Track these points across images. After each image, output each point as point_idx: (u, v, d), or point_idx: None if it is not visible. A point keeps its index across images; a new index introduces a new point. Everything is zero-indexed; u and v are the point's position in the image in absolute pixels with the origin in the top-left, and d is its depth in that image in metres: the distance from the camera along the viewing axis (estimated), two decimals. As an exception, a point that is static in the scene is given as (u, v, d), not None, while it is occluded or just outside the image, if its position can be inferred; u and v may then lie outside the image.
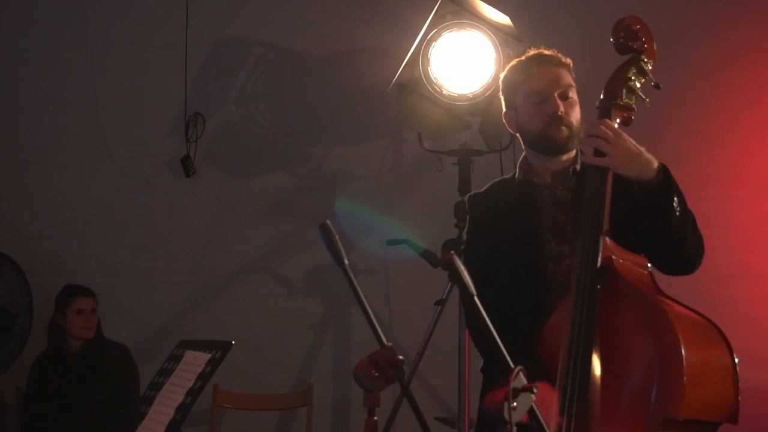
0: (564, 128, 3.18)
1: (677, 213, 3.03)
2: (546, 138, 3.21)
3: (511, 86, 3.32)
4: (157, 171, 6.41)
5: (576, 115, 3.22)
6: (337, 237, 2.44)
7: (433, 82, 5.03)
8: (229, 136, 6.38)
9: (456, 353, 5.02)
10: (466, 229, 3.46)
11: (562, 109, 3.18)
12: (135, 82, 6.46)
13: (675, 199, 3.03)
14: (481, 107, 5.02)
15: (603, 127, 2.99)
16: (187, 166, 6.29)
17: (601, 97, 3.12)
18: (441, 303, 5.16)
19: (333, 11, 6.27)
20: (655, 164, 3.00)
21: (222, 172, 6.38)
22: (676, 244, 3.08)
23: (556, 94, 3.19)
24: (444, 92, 5.02)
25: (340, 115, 6.26)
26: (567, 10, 5.99)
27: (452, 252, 2.26)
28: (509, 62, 4.33)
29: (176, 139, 6.34)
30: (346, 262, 2.45)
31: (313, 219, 6.18)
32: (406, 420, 4.25)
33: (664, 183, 3.01)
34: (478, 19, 5.00)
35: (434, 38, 5.03)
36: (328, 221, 2.42)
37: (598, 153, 3.00)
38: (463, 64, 5.05)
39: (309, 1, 6.36)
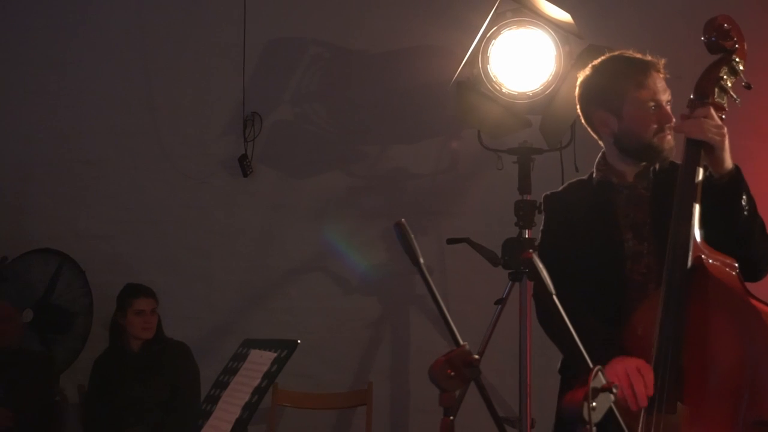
0: (670, 138, 3.17)
1: (745, 212, 3.01)
2: (653, 148, 3.18)
3: (617, 89, 3.22)
4: (214, 170, 6.43)
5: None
6: (412, 236, 2.41)
7: (492, 80, 5.00)
8: (285, 136, 6.40)
9: (516, 353, 5.00)
10: (542, 229, 3.44)
11: (674, 119, 3.16)
12: (192, 82, 6.49)
13: (744, 197, 3.01)
14: (541, 105, 4.99)
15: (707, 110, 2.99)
16: (244, 166, 6.31)
17: (692, 96, 3.09)
18: (501, 302, 5.13)
19: (391, 10, 6.27)
20: (731, 161, 2.99)
21: (278, 172, 6.39)
22: (741, 246, 3.05)
23: (665, 103, 3.18)
24: (503, 90, 4.99)
25: (398, 114, 6.25)
26: (627, 5, 5.95)
27: (531, 250, 2.24)
28: (571, 60, 4.30)
29: (233, 138, 6.36)
30: (422, 260, 2.43)
31: (369, 218, 6.19)
32: (467, 419, 4.22)
33: (736, 178, 3.00)
34: (538, 17, 4.97)
35: (494, 36, 5.00)
36: (403, 220, 2.40)
37: (693, 144, 2.99)
38: (523, 61, 5.02)
39: (366, 0, 6.35)
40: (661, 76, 3.19)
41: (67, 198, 6.56)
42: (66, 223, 6.51)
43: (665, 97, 3.18)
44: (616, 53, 3.30)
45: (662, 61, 3.23)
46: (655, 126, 3.16)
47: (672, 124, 3.14)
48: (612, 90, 3.24)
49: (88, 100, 6.61)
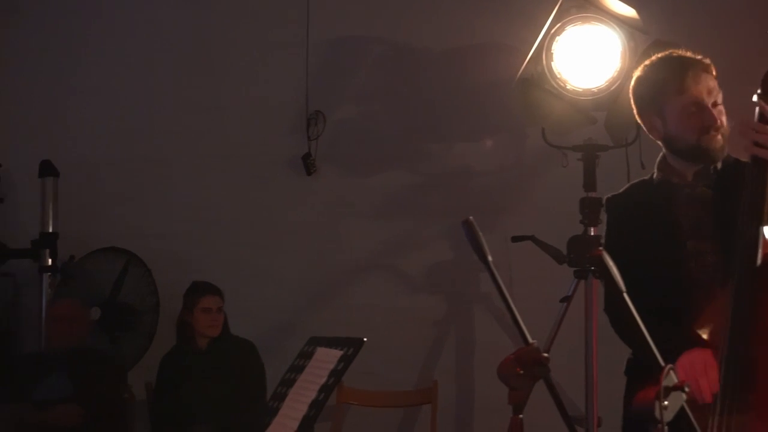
0: (720, 137, 3.14)
1: None
2: (702, 150, 3.17)
3: (658, 94, 3.23)
4: (278, 169, 6.47)
5: (725, 121, 3.17)
6: (480, 233, 2.41)
7: (556, 76, 4.96)
8: (348, 134, 6.41)
9: (581, 350, 4.96)
10: (605, 231, 3.43)
11: (719, 121, 3.13)
12: (256, 81, 6.53)
13: None
14: (606, 102, 4.95)
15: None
16: (307, 164, 6.33)
17: (759, 91, 3.05)
18: (566, 300, 5.10)
19: (454, 7, 6.25)
20: None
21: (342, 170, 6.41)
22: None
23: (710, 105, 3.14)
24: (568, 87, 4.95)
25: (461, 112, 6.24)
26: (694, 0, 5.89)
27: (601, 248, 2.22)
28: (635, 56, 4.26)
29: (297, 137, 6.38)
30: (490, 258, 2.41)
31: (432, 216, 6.18)
32: (532, 417, 4.20)
33: None
34: (603, 13, 4.93)
35: (558, 32, 4.96)
36: (471, 217, 2.39)
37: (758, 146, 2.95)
38: (588, 58, 4.97)
39: (429, -2, 6.36)
40: (708, 75, 3.17)
41: (134, 197, 6.63)
42: (132, 222, 6.57)
43: (710, 98, 3.15)
44: (664, 54, 3.29)
45: (707, 60, 3.20)
46: (698, 129, 3.14)
47: (717, 125, 3.12)
48: (654, 94, 3.26)
49: (154, 99, 6.67)
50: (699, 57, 3.22)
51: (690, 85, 3.15)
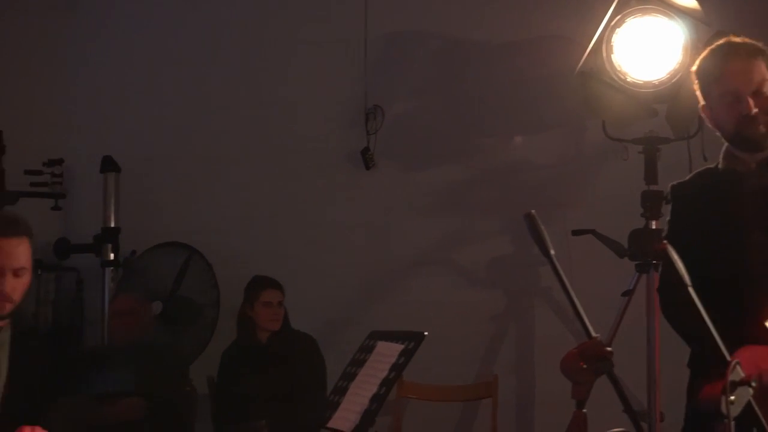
0: (761, 126, 3.11)
1: None
2: (742, 138, 3.16)
3: (704, 83, 3.25)
4: (337, 164, 6.49)
5: None
6: (542, 227, 2.40)
7: (616, 69, 4.91)
8: (407, 128, 6.41)
9: (643, 345, 4.93)
10: (668, 219, 3.39)
11: (755, 110, 3.09)
12: (315, 76, 6.55)
13: None
14: (667, 94, 4.89)
15: None
16: (366, 159, 6.34)
17: None
18: (628, 294, 5.06)
19: (512, 1, 6.22)
20: None
21: (401, 164, 6.41)
22: None
23: (749, 94, 3.10)
24: (628, 79, 4.91)
25: (519, 105, 6.21)
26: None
27: (665, 241, 2.21)
28: (697, 48, 4.23)
29: (356, 131, 6.39)
30: (552, 252, 2.40)
31: (491, 210, 6.16)
32: (595, 412, 4.17)
33: None
34: (663, 4, 4.87)
35: (618, 24, 4.91)
36: (533, 211, 2.38)
37: None
38: (648, 50, 4.93)
39: (486, -8, 6.34)
40: (754, 61, 3.13)
41: (195, 192, 6.70)
42: (193, 217, 6.63)
43: (750, 86, 3.11)
44: (715, 44, 3.26)
45: (758, 46, 3.17)
46: (735, 118, 3.13)
47: (753, 113, 3.08)
48: (701, 84, 3.26)
49: (213, 96, 6.72)
50: (749, 43, 3.18)
51: (726, 73, 3.14)
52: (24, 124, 6.53)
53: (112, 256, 6.38)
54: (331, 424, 3.81)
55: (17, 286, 3.27)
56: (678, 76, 4.80)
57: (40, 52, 6.91)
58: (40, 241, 6.58)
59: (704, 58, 3.26)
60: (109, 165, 6.41)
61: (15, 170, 6.20)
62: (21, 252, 3.27)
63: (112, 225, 6.39)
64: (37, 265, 6.50)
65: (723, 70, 3.16)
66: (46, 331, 6.65)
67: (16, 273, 3.25)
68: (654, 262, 4.65)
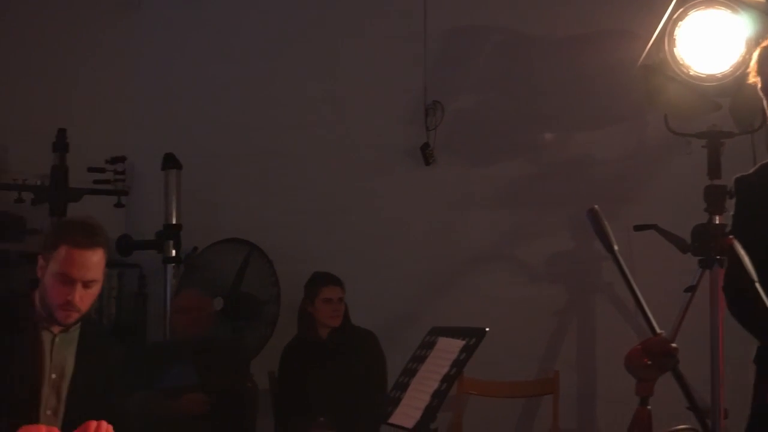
0: None
1: None
2: None
3: (761, 75, 3.21)
4: (397, 159, 6.49)
5: None
6: (605, 222, 2.38)
7: (679, 62, 4.87)
8: (467, 124, 6.39)
9: (707, 341, 4.87)
10: (733, 213, 3.35)
11: None
12: (375, 72, 6.56)
13: None
14: (731, 88, 4.83)
15: None
16: (426, 154, 6.34)
17: None
18: (691, 290, 5.01)
19: (573, -6, 6.20)
20: None
21: (461, 160, 6.39)
22: None
23: None
24: (691, 73, 4.86)
25: (581, 100, 6.16)
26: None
27: (731, 236, 2.18)
28: (760, 41, 4.16)
29: (415, 127, 6.39)
30: (616, 248, 2.38)
31: (553, 206, 6.13)
32: (657, 409, 4.13)
33: None
34: (726, -4, 4.83)
35: (680, 18, 4.87)
36: (596, 206, 2.37)
37: None
38: (711, 43, 4.87)
39: (548, -14, 6.30)
40: None
41: (255, 189, 6.74)
42: (254, 213, 6.67)
43: None
44: None
45: None
46: None
47: None
48: (762, 77, 3.26)
49: (274, 93, 6.75)
50: None
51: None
52: (87, 122, 6.60)
53: (173, 252, 6.45)
54: (392, 420, 3.82)
55: (86, 297, 3.29)
56: (741, 70, 4.74)
57: (104, 50, 6.99)
58: (103, 238, 6.69)
59: (765, 48, 3.23)
60: (170, 162, 6.47)
61: (79, 168, 6.26)
62: (95, 264, 3.28)
63: (174, 222, 6.46)
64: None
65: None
66: (110, 327, 6.73)
67: (87, 284, 3.27)
68: (717, 257, 4.60)
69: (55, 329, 3.36)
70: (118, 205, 6.56)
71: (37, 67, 6.53)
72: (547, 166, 6.20)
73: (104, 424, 3.20)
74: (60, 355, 3.38)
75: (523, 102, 6.31)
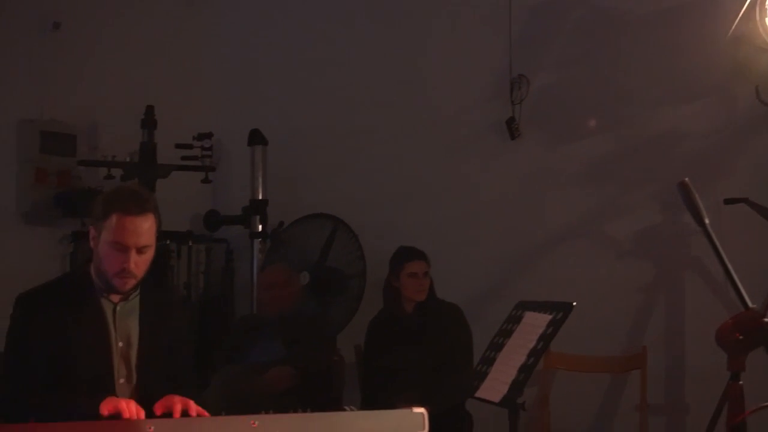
0: None
1: None
2: None
3: None
4: (482, 134, 6.47)
5: None
6: (696, 195, 2.35)
7: (770, 33, 4.80)
8: (552, 98, 6.34)
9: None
10: None
11: None
12: (459, 46, 6.53)
13: None
14: (824, 57, 4.75)
15: None
16: (511, 129, 6.31)
17: None
18: (786, 264, 4.94)
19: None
20: None
21: (546, 134, 6.35)
22: None
23: None
24: (782, 43, 4.79)
25: (667, 74, 6.07)
26: None
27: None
28: None
29: (501, 102, 6.35)
30: (707, 221, 2.35)
31: (640, 180, 6.07)
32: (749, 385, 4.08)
33: None
34: (820, -36, 4.73)
35: (772, -13, 4.79)
36: (687, 179, 2.34)
37: None
38: (804, 13, 4.79)
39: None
40: None
41: (341, 165, 6.76)
42: (340, 189, 6.70)
43: None
44: None
45: None
46: None
47: None
48: None
49: (357, 69, 6.76)
50: None
51: None
52: (175, 99, 6.67)
53: (260, 227, 6.51)
54: (479, 394, 3.82)
55: (140, 263, 3.31)
56: (835, 39, 4.66)
57: (190, 26, 7.04)
58: (190, 213, 6.79)
59: None
60: (256, 138, 6.52)
61: (166, 144, 6.34)
62: (146, 230, 3.30)
63: (260, 197, 6.51)
64: (188, 236, 6.67)
65: None
66: (198, 302, 6.82)
67: (140, 250, 3.30)
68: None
69: (115, 298, 3.39)
70: (205, 180, 6.62)
71: (126, 45, 6.61)
72: (634, 141, 6.13)
73: (182, 401, 3.23)
74: (124, 324, 3.41)
75: (608, 76, 6.24)
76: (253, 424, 2.77)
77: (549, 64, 6.37)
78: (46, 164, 6.08)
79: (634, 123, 6.16)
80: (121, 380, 3.36)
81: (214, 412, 2.89)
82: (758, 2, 4.78)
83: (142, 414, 3.11)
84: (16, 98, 6.09)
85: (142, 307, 3.45)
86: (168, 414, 3.16)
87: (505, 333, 3.90)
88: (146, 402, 3.27)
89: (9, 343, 3.34)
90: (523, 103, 6.32)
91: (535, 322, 3.76)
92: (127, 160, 6.29)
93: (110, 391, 3.28)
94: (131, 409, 3.07)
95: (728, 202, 5.24)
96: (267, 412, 2.82)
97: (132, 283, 3.33)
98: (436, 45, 6.61)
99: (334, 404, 5.15)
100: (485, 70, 6.45)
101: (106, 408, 3.05)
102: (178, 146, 6.49)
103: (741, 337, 2.21)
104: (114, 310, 3.39)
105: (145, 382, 3.39)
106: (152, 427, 2.66)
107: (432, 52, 6.62)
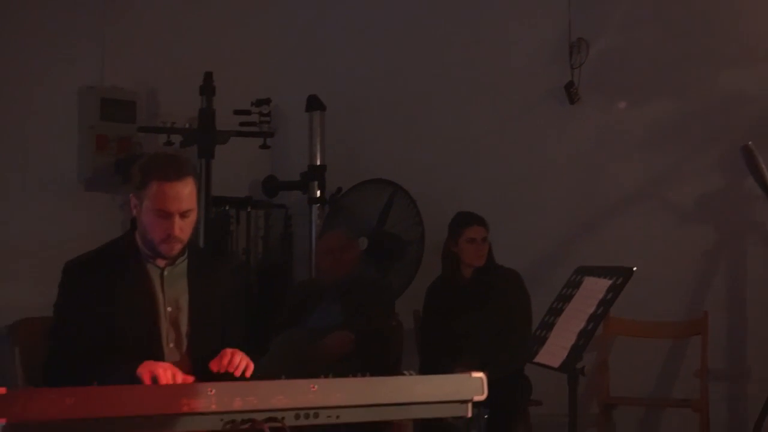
0: None
1: None
2: None
3: None
4: (541, 99, 6.43)
5: None
6: (760, 159, 2.31)
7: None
8: (613, 62, 6.28)
9: None
10: None
11: None
12: (517, 10, 6.47)
13: None
14: None
15: None
16: (570, 93, 6.25)
17: None
18: None
19: None
20: None
21: (606, 98, 6.29)
22: None
23: None
24: None
25: (733, 36, 5.99)
26: None
27: None
28: None
29: (559, 66, 6.30)
30: (771, 184, 2.31)
31: (702, 145, 6.00)
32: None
33: None
34: None
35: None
36: (750, 143, 2.30)
37: None
38: None
39: None
40: None
41: (399, 130, 6.75)
42: (398, 154, 6.69)
43: None
44: None
45: None
46: None
47: None
48: None
49: (415, 33, 6.73)
50: None
51: None
52: (233, 65, 6.69)
53: (318, 193, 6.53)
54: (538, 358, 3.81)
55: (185, 227, 3.31)
56: None
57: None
58: (249, 179, 6.83)
59: None
60: (314, 104, 6.53)
61: (225, 110, 6.36)
62: (187, 195, 3.29)
63: (318, 163, 6.53)
64: (247, 202, 6.71)
65: None
66: (257, 267, 6.86)
67: (184, 215, 3.30)
68: None
69: (161, 263, 3.41)
70: (264, 146, 6.65)
71: (185, 12, 6.63)
72: (697, 104, 6.05)
73: (239, 353, 3.26)
74: (172, 289, 3.41)
75: (669, 38, 6.16)
76: (313, 387, 2.78)
77: (609, 27, 6.29)
78: (106, 131, 6.13)
79: (697, 85, 6.07)
80: (171, 344, 3.37)
81: (274, 376, 2.90)
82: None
83: (180, 378, 3.12)
84: (77, 65, 6.15)
85: (190, 272, 3.46)
86: (226, 375, 3.20)
87: (565, 298, 3.89)
88: (199, 367, 3.32)
89: (57, 310, 3.37)
90: (583, 67, 6.25)
91: (595, 287, 3.74)
92: (186, 126, 6.33)
93: (159, 356, 3.29)
94: (167, 374, 3.08)
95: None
96: (326, 377, 2.83)
97: (179, 247, 3.35)
98: (494, 9, 6.56)
99: (392, 369, 5.17)
100: (544, 35, 6.41)
101: (143, 373, 3.06)
102: (237, 112, 6.51)
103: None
104: (161, 275, 3.40)
105: (196, 346, 3.40)
106: (213, 390, 2.67)
107: (490, 16, 6.56)
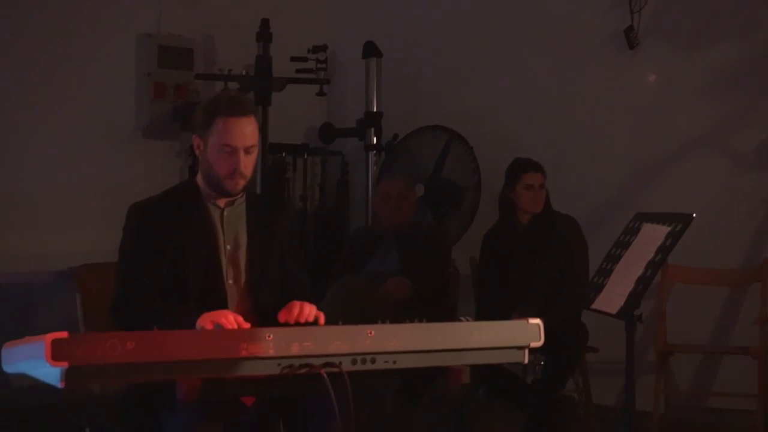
0: None
1: None
2: None
3: None
4: (600, 44, 6.36)
5: None
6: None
7: None
8: (674, 5, 6.18)
9: None
10: None
11: None
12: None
13: None
14: None
15: None
16: (630, 38, 6.17)
17: None
18: None
19: None
20: None
21: (666, 44, 6.19)
22: None
23: None
24: None
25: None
26: None
27: None
28: None
29: (619, 10, 6.21)
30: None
31: (764, 90, 5.89)
32: None
33: None
34: None
35: None
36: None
37: None
38: None
39: None
40: None
41: (456, 77, 6.73)
42: (455, 101, 6.68)
43: None
44: None
45: None
46: None
47: None
48: None
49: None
50: None
51: None
52: (289, 12, 6.69)
53: (374, 140, 6.54)
54: (595, 305, 3.80)
55: (248, 163, 3.39)
56: None
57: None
58: (305, 126, 6.85)
59: None
60: (371, 50, 6.52)
61: (282, 57, 6.37)
62: (251, 131, 3.36)
63: (375, 110, 6.53)
64: (304, 149, 6.73)
65: None
66: (314, 214, 6.89)
67: (248, 150, 3.36)
68: None
69: (221, 203, 3.47)
70: (320, 93, 6.66)
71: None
72: (762, 49, 5.92)
73: (308, 305, 3.29)
74: (231, 228, 3.48)
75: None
76: (370, 333, 2.80)
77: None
78: (164, 78, 6.18)
79: (762, 29, 5.94)
80: (230, 281, 3.44)
81: (331, 321, 2.92)
82: None
83: (241, 324, 3.16)
84: (134, 13, 6.18)
85: (248, 212, 3.53)
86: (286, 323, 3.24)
87: (623, 245, 3.86)
88: (259, 308, 3.40)
89: (122, 250, 3.43)
90: (643, 11, 6.16)
91: (654, 234, 3.71)
92: (243, 73, 6.35)
93: (220, 292, 3.38)
94: (229, 319, 3.12)
95: None
96: (383, 322, 2.84)
97: (242, 183, 3.41)
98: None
99: (449, 315, 5.18)
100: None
101: (205, 324, 3.10)
102: (293, 59, 6.52)
103: None
104: (221, 215, 3.47)
105: (254, 284, 3.47)
106: (271, 335, 2.70)
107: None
